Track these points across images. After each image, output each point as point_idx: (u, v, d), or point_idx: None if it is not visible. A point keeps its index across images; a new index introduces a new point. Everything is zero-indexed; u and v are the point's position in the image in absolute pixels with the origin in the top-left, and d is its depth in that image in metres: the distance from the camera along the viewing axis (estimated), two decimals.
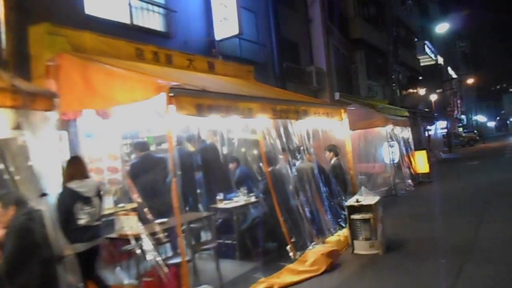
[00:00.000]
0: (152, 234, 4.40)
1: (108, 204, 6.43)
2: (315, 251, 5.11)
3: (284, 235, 5.31)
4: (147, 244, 4.19)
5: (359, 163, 12.03)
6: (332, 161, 7.88)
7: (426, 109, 30.14)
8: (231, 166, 7.83)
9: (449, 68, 42.23)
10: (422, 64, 34.48)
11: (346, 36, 19.09)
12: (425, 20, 36.29)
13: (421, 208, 9.01)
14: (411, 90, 27.29)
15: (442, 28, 27.38)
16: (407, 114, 17.80)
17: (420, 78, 31.94)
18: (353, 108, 12.41)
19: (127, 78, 4.62)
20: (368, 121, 11.24)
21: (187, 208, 6.21)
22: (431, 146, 28.94)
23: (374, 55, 20.81)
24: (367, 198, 5.90)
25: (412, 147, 13.24)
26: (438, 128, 31.88)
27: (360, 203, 5.71)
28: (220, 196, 6.23)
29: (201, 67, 7.56)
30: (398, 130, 12.38)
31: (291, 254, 5.14)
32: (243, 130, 8.29)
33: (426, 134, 29.91)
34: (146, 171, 5.98)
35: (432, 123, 30.74)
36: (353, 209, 5.74)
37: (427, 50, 35.27)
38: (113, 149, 6.88)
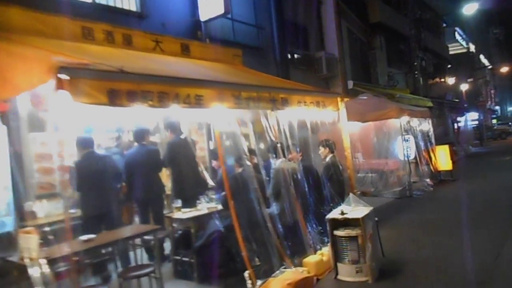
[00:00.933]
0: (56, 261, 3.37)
1: (57, 210, 5.54)
2: (281, 279, 3.96)
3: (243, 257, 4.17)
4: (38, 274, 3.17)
5: (369, 159, 10.75)
6: (327, 159, 6.67)
7: (455, 100, 28.14)
8: (214, 164, 6.71)
9: (481, 56, 39.56)
10: (452, 52, 32.31)
11: (364, 20, 17.59)
12: (454, 4, 33.90)
13: (435, 214, 7.66)
14: (438, 79, 25.39)
15: (470, 8, 25.15)
16: (430, 104, 16.27)
17: (449, 66, 29.81)
18: (365, 97, 11.10)
19: (26, 57, 3.59)
20: (380, 112, 9.89)
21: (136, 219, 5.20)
22: (460, 139, 27.07)
23: (395, 41, 19.18)
24: (355, 209, 4.69)
25: (433, 141, 11.76)
26: (469, 119, 29.87)
27: (345, 215, 4.49)
28: (177, 203, 5.16)
29: (171, 50, 6.46)
30: (415, 122, 10.95)
31: (249, 283, 4.01)
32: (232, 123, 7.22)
33: (456, 126, 28.08)
34: (88, 173, 4.99)
35: (461, 114, 28.76)
36: (337, 223, 4.54)
37: (458, 37, 33.02)
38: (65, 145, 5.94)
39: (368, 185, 10.21)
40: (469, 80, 33.58)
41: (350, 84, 13.93)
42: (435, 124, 19.54)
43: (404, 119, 10.02)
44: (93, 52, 4.87)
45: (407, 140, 9.78)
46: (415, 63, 16.87)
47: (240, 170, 5.00)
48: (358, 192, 6.91)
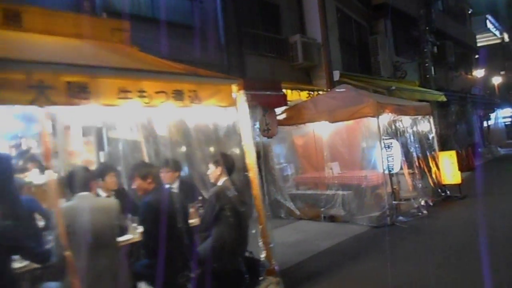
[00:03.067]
0: None
1: None
2: None
3: None
4: None
5: (341, 170, 8.15)
6: (220, 183, 4.21)
7: (484, 94, 24.69)
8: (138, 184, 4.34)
9: None
10: (483, 43, 28.77)
11: (366, 1, 14.84)
12: None
13: (412, 266, 5.00)
14: (462, 72, 22.14)
15: None
16: (443, 98, 13.35)
17: (476, 56, 26.30)
18: (341, 90, 8.49)
19: None
20: (352, 109, 7.30)
21: None
22: (490, 139, 23.65)
23: (405, 26, 16.24)
24: None
25: (436, 146, 8.97)
26: (500, 116, 26.31)
27: None
28: None
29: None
30: (407, 121, 8.24)
31: None
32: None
33: (485, 125, 24.60)
34: None
35: (492, 111, 25.22)
36: None
37: (489, 26, 29.31)
38: None
39: (338, 207, 7.61)
40: (501, 72, 29.91)
41: (337, 75, 11.30)
42: (450, 122, 16.54)
43: (385, 117, 7.36)
44: None
45: (389, 147, 7.10)
46: (425, 50, 13.97)
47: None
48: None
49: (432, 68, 14.20)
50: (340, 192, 7.68)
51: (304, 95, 9.87)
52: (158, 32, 7.30)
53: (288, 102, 9.06)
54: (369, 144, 7.35)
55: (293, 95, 9.53)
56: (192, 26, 7.92)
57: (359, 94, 7.84)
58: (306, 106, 8.38)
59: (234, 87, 4.10)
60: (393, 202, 7.03)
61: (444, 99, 13.39)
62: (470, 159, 14.08)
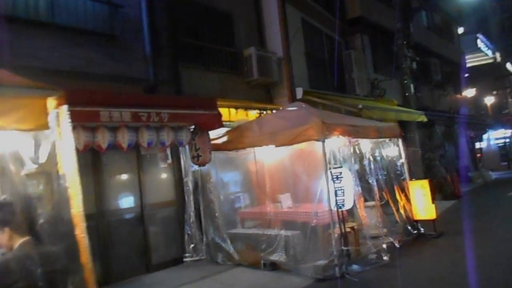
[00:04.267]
0: None
1: None
2: None
3: None
4: None
5: (295, 203, 6.78)
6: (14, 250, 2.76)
7: (474, 114, 23.48)
8: None
9: (508, 64, 34.52)
10: (475, 63, 27.81)
11: (341, 14, 13.72)
12: (472, 9, 29.33)
13: None
14: (449, 91, 21.00)
15: None
16: (423, 118, 12.05)
17: (466, 75, 25.20)
18: (292, 108, 7.19)
19: None
20: (295, 131, 5.95)
21: None
22: (483, 162, 22.31)
23: (384, 41, 15.11)
24: None
25: (406, 174, 7.61)
26: (492, 138, 25.04)
27: None
28: None
29: None
30: (367, 145, 6.91)
31: None
32: None
33: (477, 146, 23.28)
34: None
35: (483, 132, 23.97)
36: None
37: (480, 45, 28.33)
38: None
39: (280, 252, 6.17)
40: (494, 92, 28.84)
41: (299, 92, 10.01)
42: (436, 145, 15.19)
43: (334, 141, 6.02)
44: None
45: (337, 178, 5.71)
46: (403, 65, 12.76)
47: None
48: None
49: (412, 85, 12.94)
50: (283, 233, 6.26)
51: (254, 115, 8.56)
52: (59, 40, 6.04)
53: (231, 123, 7.79)
54: (317, 174, 5.96)
55: (239, 115, 8.21)
56: (108, 34, 6.65)
57: (308, 113, 6.50)
58: (249, 128, 7.04)
59: (51, 102, 2.73)
60: (343, 248, 5.59)
61: (425, 119, 12.09)
62: (455, 185, 12.70)
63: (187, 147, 6.65)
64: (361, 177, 6.56)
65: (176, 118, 5.97)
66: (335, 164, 5.88)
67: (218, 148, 7.16)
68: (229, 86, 9.12)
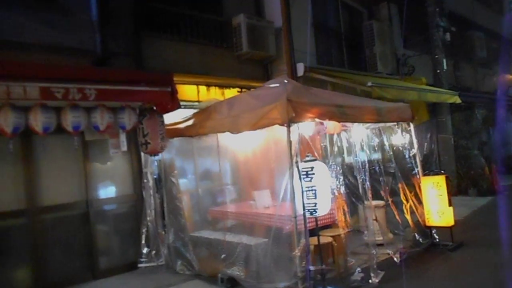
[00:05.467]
0: None
1: None
2: None
3: None
4: None
5: (258, 203, 5.49)
6: None
7: None
8: None
9: None
10: None
11: None
12: None
13: None
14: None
15: None
16: (456, 100, 10.19)
17: None
18: (275, 84, 5.81)
19: None
20: (258, 113, 4.59)
21: None
22: None
23: (416, 11, 13.08)
24: None
25: (419, 168, 6.04)
26: None
27: None
28: None
29: None
30: (360, 132, 5.42)
31: None
32: None
33: None
34: None
35: None
36: None
37: None
38: None
39: (240, 265, 4.89)
40: None
41: (301, 68, 8.55)
42: (474, 131, 13.14)
43: (308, 126, 4.61)
44: None
45: (308, 175, 4.29)
46: (434, 37, 10.85)
47: None
48: None
49: (444, 61, 11.00)
50: (245, 241, 4.96)
51: (231, 93, 7.23)
52: None
53: (200, 103, 6.52)
54: (284, 169, 4.59)
55: (212, 94, 6.91)
56: None
57: (282, 90, 5.07)
58: (218, 109, 5.71)
59: None
60: (310, 268, 4.19)
61: (458, 100, 10.21)
62: (494, 179, 10.80)
63: None
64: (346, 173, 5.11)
65: (109, 96, 4.77)
66: (307, 157, 4.43)
67: (181, 134, 5.94)
68: (214, 61, 7.81)
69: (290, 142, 4.24)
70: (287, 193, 4.37)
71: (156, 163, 6.31)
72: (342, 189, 5.13)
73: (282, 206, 5.03)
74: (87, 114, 4.81)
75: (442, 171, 10.68)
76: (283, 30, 8.63)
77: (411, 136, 6.07)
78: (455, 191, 10.80)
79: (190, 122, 5.92)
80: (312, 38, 9.67)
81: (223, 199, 6.38)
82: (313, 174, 4.26)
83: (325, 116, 4.60)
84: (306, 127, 4.78)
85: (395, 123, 5.94)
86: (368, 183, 5.05)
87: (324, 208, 4.33)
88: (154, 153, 5.42)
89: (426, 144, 11.31)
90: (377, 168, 5.47)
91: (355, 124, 5.28)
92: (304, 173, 4.29)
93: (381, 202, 6.08)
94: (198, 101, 6.56)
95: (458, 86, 14.52)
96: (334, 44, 10.73)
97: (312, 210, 4.31)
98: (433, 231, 5.96)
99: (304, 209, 4.29)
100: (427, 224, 5.88)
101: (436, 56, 10.99)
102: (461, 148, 11.73)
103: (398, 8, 12.81)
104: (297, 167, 4.26)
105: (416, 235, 5.77)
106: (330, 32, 10.56)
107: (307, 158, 4.39)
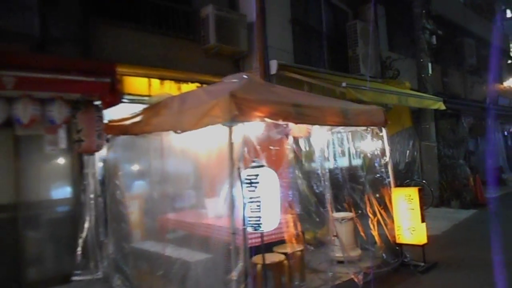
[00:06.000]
0: None
1: None
2: None
3: None
4: None
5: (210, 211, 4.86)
6: None
7: None
8: None
9: None
10: None
11: None
12: None
13: None
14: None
15: None
16: (440, 106, 9.66)
17: (510, 62, 22.02)
18: (233, 80, 5.20)
19: None
20: (201, 110, 3.97)
21: None
22: None
23: (403, 13, 12.57)
24: None
25: (390, 178, 5.44)
26: None
27: None
28: None
29: None
30: (322, 135, 4.82)
31: None
32: None
33: None
34: None
35: None
36: None
37: None
38: None
39: (178, 284, 4.25)
40: None
41: (274, 66, 7.96)
42: (459, 140, 12.62)
43: (252, 127, 3.99)
44: None
45: (251, 184, 3.67)
46: (420, 40, 10.31)
47: None
48: None
49: (430, 65, 10.46)
50: (184, 257, 4.32)
51: (189, 88, 6.61)
52: None
53: (149, 98, 5.89)
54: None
55: (166, 88, 6.27)
56: None
57: (234, 86, 4.44)
58: (168, 105, 5.07)
59: None
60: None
61: (443, 107, 9.67)
62: (478, 190, 10.27)
63: None
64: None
65: (33, 85, 4.13)
66: (253, 162, 3.82)
67: (126, 131, 5.30)
68: (179, 54, 7.19)
69: (231, 145, 3.61)
70: (232, 203, 3.73)
71: (101, 164, 5.66)
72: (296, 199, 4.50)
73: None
74: (7, 105, 4.16)
75: (424, 181, 10.31)
76: (256, 24, 8.05)
77: (383, 142, 5.48)
78: (437, 202, 10.27)
79: (137, 119, 5.28)
80: (289, 35, 9.11)
81: (175, 205, 5.72)
82: (258, 182, 3.64)
83: (278, 116, 3.99)
84: (257, 128, 4.16)
85: (366, 128, 5.34)
86: (328, 194, 4.44)
87: (270, 222, 3.71)
88: (89, 152, 4.79)
89: (408, 151, 10.76)
90: (340, 176, 4.85)
91: (316, 127, 4.66)
92: (248, 181, 3.67)
93: (348, 214, 5.51)
94: (149, 96, 5.90)
95: (446, 92, 14.05)
96: (315, 43, 10.16)
97: (256, 225, 3.68)
98: (404, 249, 5.36)
99: (245, 224, 3.67)
100: (397, 241, 5.29)
101: (421, 60, 10.45)
102: (445, 157, 11.20)
103: (386, 10, 12.33)
104: (239, 174, 3.63)
105: (384, 254, 5.16)
106: (311, 30, 9.99)
107: (253, 164, 3.78)
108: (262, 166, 3.75)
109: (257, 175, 3.66)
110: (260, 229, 3.70)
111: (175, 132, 4.35)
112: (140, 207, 5.76)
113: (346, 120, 4.84)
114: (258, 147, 3.90)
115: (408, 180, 10.30)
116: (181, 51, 7.23)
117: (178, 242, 4.90)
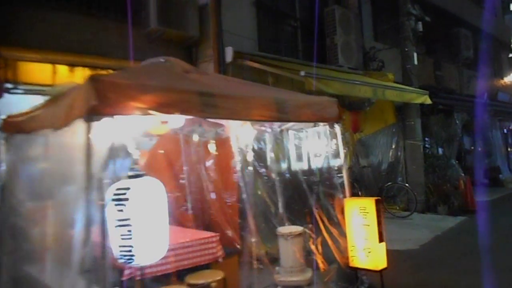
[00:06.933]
0: None
1: None
2: None
3: None
4: None
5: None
6: None
7: None
8: None
9: None
10: None
11: None
12: None
13: None
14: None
15: None
16: (425, 100, 8.62)
17: (511, 55, 20.87)
18: (147, 62, 4.15)
19: None
20: (64, 103, 2.96)
21: None
22: None
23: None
24: None
25: (345, 185, 4.41)
26: None
27: None
28: None
29: None
30: (246, 133, 3.81)
31: None
32: None
33: None
34: None
35: None
36: None
37: None
38: None
39: None
40: None
41: (229, 53, 6.96)
42: (451, 138, 11.53)
43: (141, 121, 2.99)
44: None
45: (120, 201, 2.68)
46: (404, 27, 9.25)
47: None
48: None
49: (415, 55, 9.40)
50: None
51: None
52: None
53: (51, 88, 4.88)
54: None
55: (78, 76, 5.29)
56: None
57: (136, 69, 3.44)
58: (59, 97, 4.07)
59: None
60: None
61: (428, 101, 8.62)
62: (468, 195, 9.23)
63: None
64: None
65: None
66: (135, 168, 2.82)
67: (20, 129, 4.32)
68: (115, 39, 6.19)
69: (89, 148, 2.61)
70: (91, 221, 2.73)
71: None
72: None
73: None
74: None
75: (406, 184, 9.28)
76: (211, 8, 7.08)
77: (337, 141, 4.46)
78: (422, 207, 9.24)
79: (33, 114, 4.30)
80: (252, 20, 8.09)
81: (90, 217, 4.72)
82: (127, 200, 2.64)
83: (172, 108, 2.98)
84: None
85: (313, 124, 4.33)
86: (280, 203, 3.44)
87: (147, 253, 2.71)
88: None
89: (391, 151, 9.73)
90: (277, 183, 3.86)
91: (238, 122, 3.65)
92: (116, 197, 2.67)
93: (297, 229, 4.51)
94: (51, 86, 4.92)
95: (439, 86, 13.00)
96: (286, 30, 9.15)
97: (127, 256, 2.69)
98: (359, 274, 4.34)
99: (114, 253, 2.68)
100: (351, 264, 4.27)
101: (406, 49, 9.38)
102: (433, 157, 10.15)
103: None
104: (102, 187, 2.64)
105: (330, 282, 4.16)
106: (281, 15, 8.96)
107: (130, 173, 2.78)
108: (138, 176, 2.74)
109: (126, 189, 2.65)
110: (133, 262, 2.70)
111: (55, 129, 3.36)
112: (43, 220, 4.77)
113: (281, 115, 3.81)
114: (137, 150, 2.90)
115: (390, 183, 9.28)
116: (117, 36, 6.23)
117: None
